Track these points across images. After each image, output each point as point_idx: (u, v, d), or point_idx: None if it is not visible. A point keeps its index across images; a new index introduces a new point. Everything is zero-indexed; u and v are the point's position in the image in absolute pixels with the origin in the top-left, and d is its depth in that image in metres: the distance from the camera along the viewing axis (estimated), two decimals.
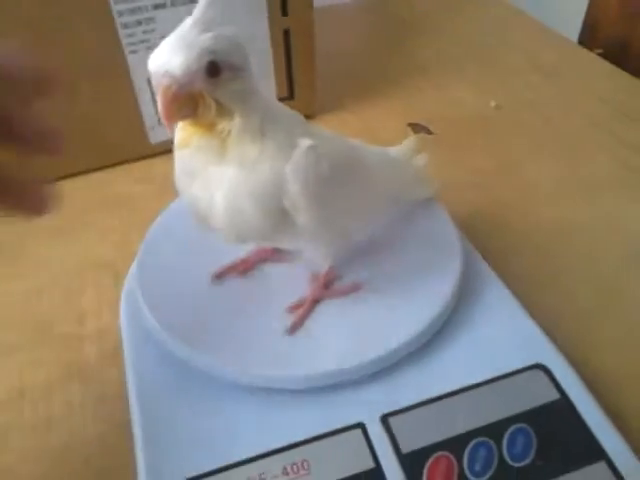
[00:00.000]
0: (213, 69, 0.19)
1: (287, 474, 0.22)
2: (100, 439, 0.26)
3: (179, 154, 0.22)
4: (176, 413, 0.24)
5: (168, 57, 0.18)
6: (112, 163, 0.42)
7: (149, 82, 0.39)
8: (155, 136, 0.41)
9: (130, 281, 0.29)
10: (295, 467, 0.22)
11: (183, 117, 0.20)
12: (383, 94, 0.48)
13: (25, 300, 0.32)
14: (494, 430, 0.23)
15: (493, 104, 0.46)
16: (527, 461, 0.22)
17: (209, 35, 0.18)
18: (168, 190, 0.40)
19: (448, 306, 0.25)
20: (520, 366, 0.25)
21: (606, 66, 0.52)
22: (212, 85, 0.19)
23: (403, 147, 0.29)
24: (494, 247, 0.34)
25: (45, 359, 0.29)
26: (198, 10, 0.19)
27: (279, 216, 0.21)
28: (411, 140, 0.30)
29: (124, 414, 0.26)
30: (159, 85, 0.18)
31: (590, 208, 0.37)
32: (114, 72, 0.38)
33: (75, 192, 0.39)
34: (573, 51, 0.55)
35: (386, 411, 0.23)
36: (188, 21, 0.19)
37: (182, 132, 0.21)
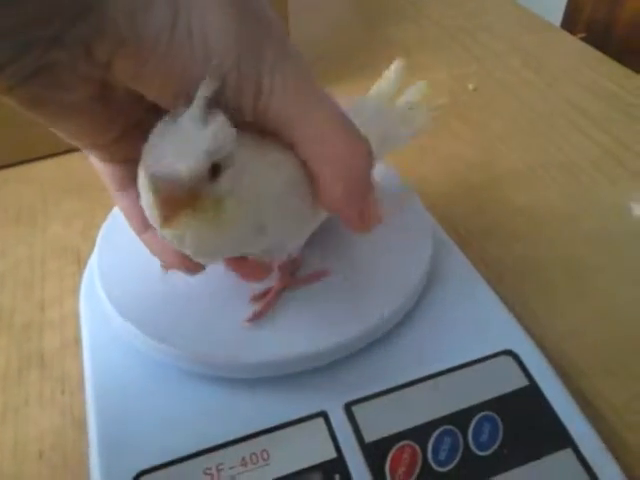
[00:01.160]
0: (216, 170, 0.17)
1: (245, 464, 0.21)
2: (56, 433, 0.25)
3: None
4: (132, 404, 0.23)
5: (171, 161, 0.16)
6: (76, 146, 0.40)
7: None
8: None
9: (90, 267, 0.28)
10: (254, 457, 0.21)
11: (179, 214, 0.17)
12: (359, 77, 0.47)
13: None
14: (460, 418, 0.22)
15: (471, 87, 0.46)
16: (493, 449, 0.21)
17: (209, 133, 0.16)
18: None
19: (415, 292, 0.24)
20: (489, 352, 0.24)
21: (588, 50, 0.51)
22: (212, 183, 0.17)
23: (383, 83, 0.28)
24: (468, 232, 0.33)
25: (4, 348, 0.28)
26: (197, 105, 0.16)
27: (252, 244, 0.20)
28: (392, 70, 0.29)
29: (83, 407, 0.26)
30: (159, 189, 0.16)
31: (565, 192, 0.36)
32: None
33: (38, 176, 0.38)
34: (555, 35, 0.54)
35: (350, 399, 0.23)
36: (186, 117, 0.16)
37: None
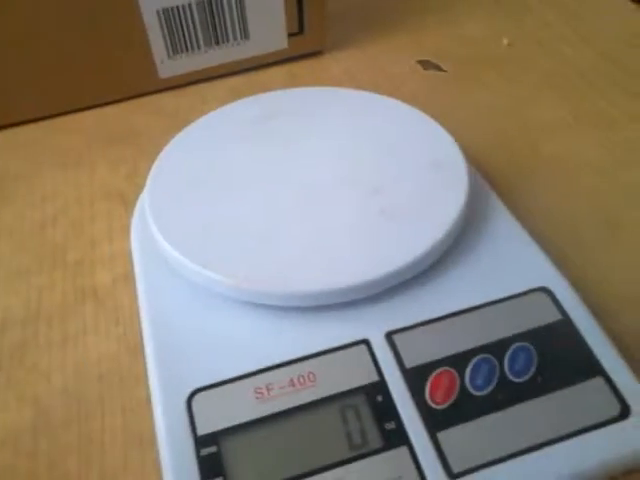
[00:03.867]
0: None
1: (293, 385, 0.22)
2: (113, 358, 0.27)
3: None
4: (185, 330, 0.24)
5: None
6: (120, 98, 0.41)
7: (158, 13, 0.38)
8: (164, 70, 0.41)
9: (140, 204, 0.30)
10: (301, 379, 0.23)
11: None
12: (393, 30, 0.47)
13: (39, 227, 0.33)
14: (496, 348, 0.23)
15: (506, 42, 0.45)
16: (528, 376, 0.23)
17: None
18: (177, 124, 0.40)
19: (455, 228, 0.25)
20: (524, 289, 0.25)
21: (626, 4, 0.50)
22: None
23: None
24: (501, 181, 0.34)
25: (60, 282, 0.30)
26: None
27: None
28: None
29: (136, 335, 0.27)
30: None
31: (599, 144, 0.37)
32: (120, 2, 0.37)
33: (84, 126, 0.40)
34: None
35: (390, 329, 0.24)
36: None
37: None
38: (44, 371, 0.26)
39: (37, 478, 0.23)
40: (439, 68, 0.43)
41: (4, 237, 0.32)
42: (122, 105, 0.41)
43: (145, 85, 0.42)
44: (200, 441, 0.21)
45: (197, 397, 0.22)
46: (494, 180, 0.32)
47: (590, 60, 0.44)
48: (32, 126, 0.40)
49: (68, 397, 0.25)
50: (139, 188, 0.31)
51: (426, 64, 0.44)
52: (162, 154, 0.30)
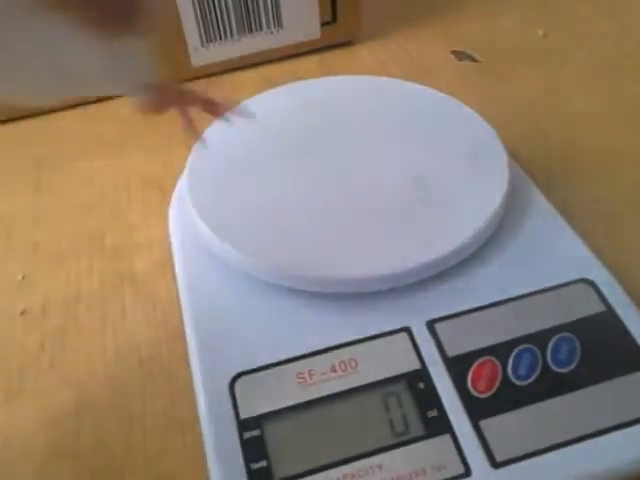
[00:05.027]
0: None
1: (335, 371, 0.23)
2: (152, 344, 0.27)
3: None
4: (227, 315, 0.25)
5: None
6: None
7: (193, 1, 0.38)
8: (197, 59, 0.41)
9: (179, 190, 0.30)
10: (343, 365, 0.23)
11: None
12: (426, 21, 0.47)
13: (77, 213, 0.33)
14: (539, 338, 0.23)
15: (541, 33, 0.45)
16: (571, 367, 0.22)
17: None
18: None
19: (496, 216, 0.25)
20: (567, 280, 0.25)
21: None
22: None
23: None
24: (539, 173, 0.33)
25: (98, 267, 0.30)
26: None
27: None
28: None
29: (175, 320, 0.27)
30: None
31: (637, 136, 0.36)
32: None
33: (119, 112, 0.40)
34: None
35: (432, 317, 0.24)
36: None
37: None
38: (86, 354, 0.27)
39: (82, 459, 0.23)
40: (473, 59, 0.43)
41: (43, 223, 0.33)
42: None
43: (178, 73, 0.42)
44: (243, 425, 0.22)
45: (239, 381, 0.23)
46: (532, 172, 0.32)
47: (628, 51, 0.43)
48: (68, 113, 0.40)
49: (110, 380, 0.26)
50: (175, 175, 0.31)
51: (460, 55, 0.43)
52: (199, 141, 0.30)
